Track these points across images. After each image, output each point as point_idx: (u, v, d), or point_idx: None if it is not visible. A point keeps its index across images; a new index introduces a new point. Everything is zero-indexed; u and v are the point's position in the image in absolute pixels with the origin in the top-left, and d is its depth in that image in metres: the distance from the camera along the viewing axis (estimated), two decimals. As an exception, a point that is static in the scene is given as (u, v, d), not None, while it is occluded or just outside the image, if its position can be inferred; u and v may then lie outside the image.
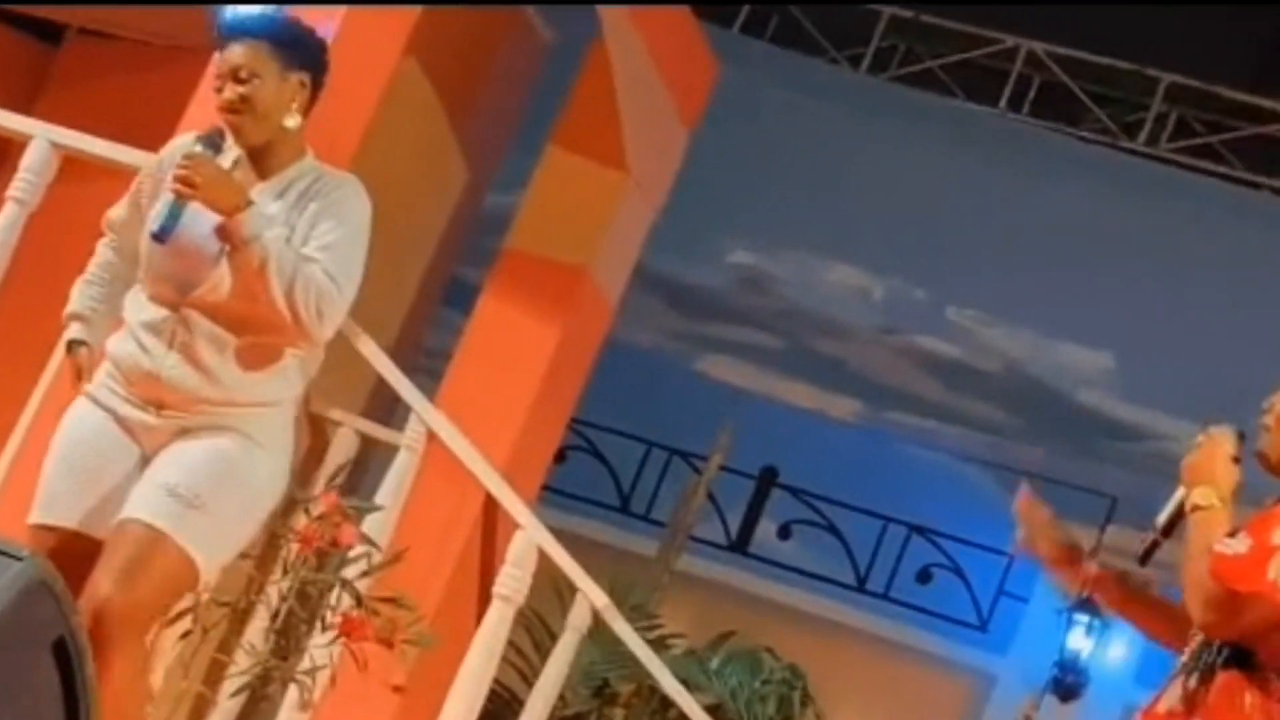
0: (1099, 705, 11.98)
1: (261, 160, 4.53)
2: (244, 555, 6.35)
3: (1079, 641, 12.31)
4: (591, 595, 7.02)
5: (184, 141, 4.58)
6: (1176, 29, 13.19)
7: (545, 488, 8.40)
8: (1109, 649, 12.32)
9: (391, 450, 6.51)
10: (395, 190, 7.78)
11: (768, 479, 13.17)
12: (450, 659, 6.55)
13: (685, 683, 7.92)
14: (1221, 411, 4.53)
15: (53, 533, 4.44)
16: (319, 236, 4.45)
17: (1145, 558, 4.33)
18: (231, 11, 4.50)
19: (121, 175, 5.10)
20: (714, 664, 8.53)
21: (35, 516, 4.50)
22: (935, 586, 12.91)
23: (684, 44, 8.25)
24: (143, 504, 4.39)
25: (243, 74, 4.45)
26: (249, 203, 4.39)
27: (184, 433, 4.49)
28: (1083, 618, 12.28)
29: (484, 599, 6.87)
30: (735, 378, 13.57)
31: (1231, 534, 4.18)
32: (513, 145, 8.53)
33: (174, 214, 4.38)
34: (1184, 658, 4.26)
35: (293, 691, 5.98)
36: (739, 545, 13.13)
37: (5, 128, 5.89)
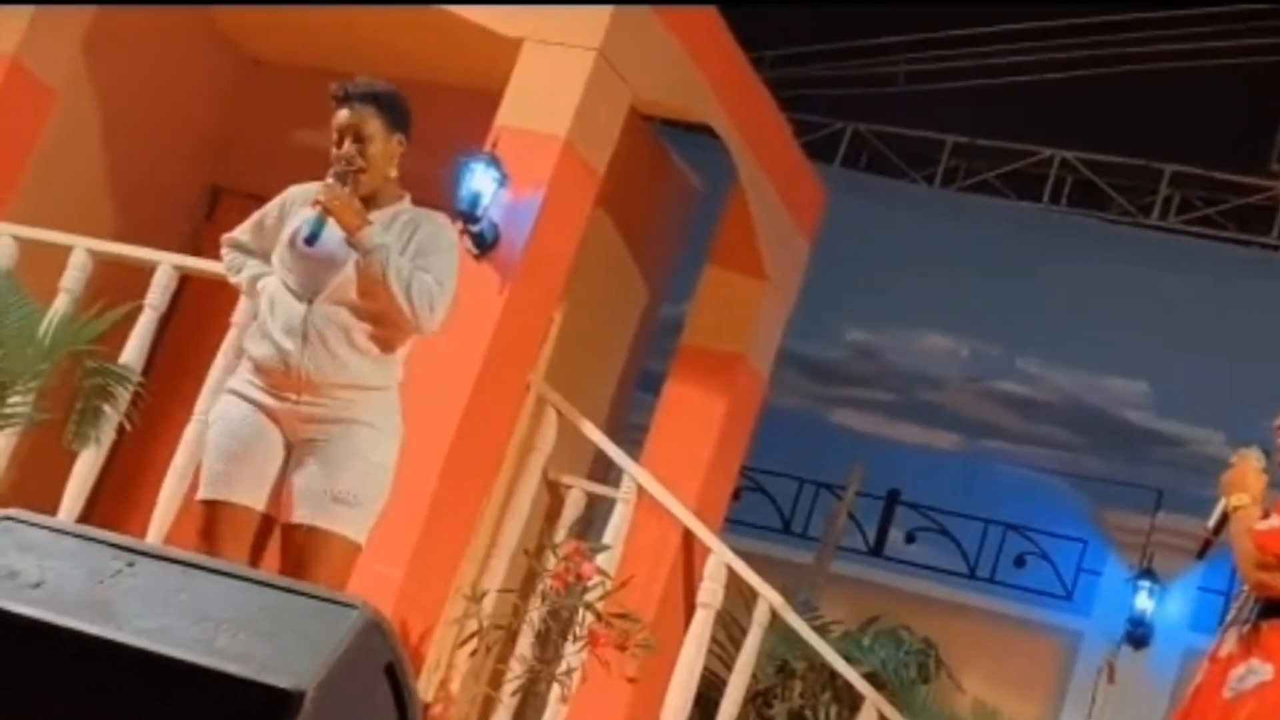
0: (1164, 651, 11.75)
1: (370, 204, 4.37)
2: (510, 590, 6.43)
3: (1144, 602, 12.09)
4: (769, 597, 7.00)
5: (303, 189, 4.45)
6: (1176, 128, 13.05)
7: (727, 519, 8.38)
8: (1168, 607, 12.09)
9: (610, 503, 6.55)
10: (596, 307, 7.86)
11: (893, 498, 13.07)
12: (668, 655, 6.55)
13: (845, 658, 7.85)
14: (1240, 420, 4.48)
15: (217, 506, 4.23)
16: (426, 254, 4.30)
17: (1202, 553, 4.29)
18: (351, 82, 4.38)
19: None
20: (865, 642, 8.42)
21: (202, 494, 4.28)
22: (1029, 569, 12.72)
23: (799, 179, 8.25)
24: (310, 509, 4.20)
25: (359, 135, 4.31)
26: (369, 222, 4.29)
27: (319, 422, 4.23)
28: (1145, 583, 12.06)
29: (689, 608, 6.86)
30: (861, 425, 13.49)
31: (1264, 516, 4.15)
32: (679, 267, 8.53)
33: (318, 225, 4.27)
34: (1232, 613, 4.21)
35: (555, 688, 6.02)
36: (876, 550, 13.02)
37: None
